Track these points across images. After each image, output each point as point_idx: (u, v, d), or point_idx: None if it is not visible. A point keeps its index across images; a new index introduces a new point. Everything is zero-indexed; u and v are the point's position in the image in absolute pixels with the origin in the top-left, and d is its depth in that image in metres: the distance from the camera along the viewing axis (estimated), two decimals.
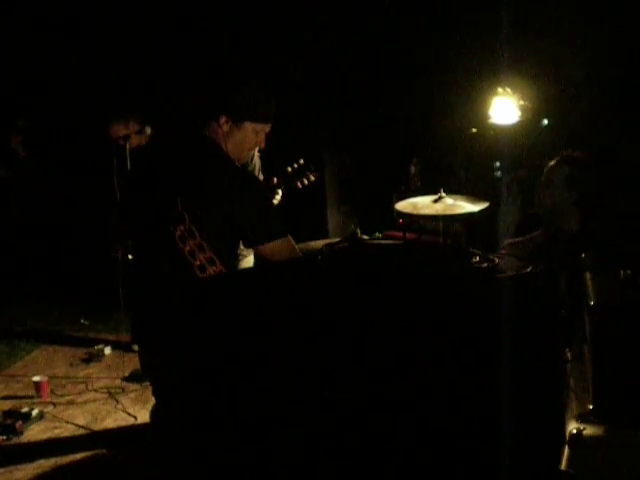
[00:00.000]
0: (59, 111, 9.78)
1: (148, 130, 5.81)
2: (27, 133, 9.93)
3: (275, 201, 4.56)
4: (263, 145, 3.61)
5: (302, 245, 4.37)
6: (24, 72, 9.83)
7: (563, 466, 2.73)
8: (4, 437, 5.13)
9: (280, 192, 4.61)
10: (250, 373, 2.70)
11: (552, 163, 4.66)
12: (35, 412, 5.39)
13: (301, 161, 4.72)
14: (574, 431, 2.94)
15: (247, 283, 3.02)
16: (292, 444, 2.63)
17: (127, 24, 9.06)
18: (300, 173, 4.70)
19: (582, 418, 3.06)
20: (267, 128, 3.55)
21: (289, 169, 4.68)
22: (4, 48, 9.74)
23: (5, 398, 5.83)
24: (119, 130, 5.71)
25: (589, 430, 2.97)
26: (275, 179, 4.67)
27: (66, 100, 9.65)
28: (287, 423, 2.64)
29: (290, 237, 3.38)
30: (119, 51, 9.11)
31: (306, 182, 4.77)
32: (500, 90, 5.86)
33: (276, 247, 3.34)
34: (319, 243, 4.38)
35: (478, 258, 2.74)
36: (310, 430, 2.64)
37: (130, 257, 4.89)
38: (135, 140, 5.68)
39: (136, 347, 5.84)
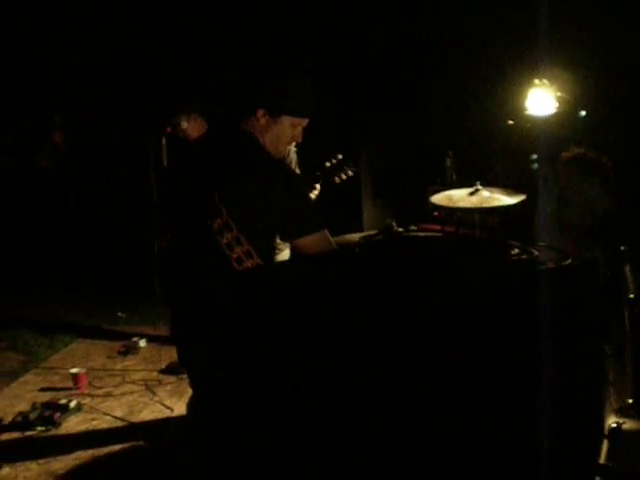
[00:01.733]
0: (97, 107, 9.87)
1: (184, 124, 5.84)
2: (67, 128, 10.05)
3: (313, 195, 4.55)
4: (300, 139, 3.59)
5: (338, 238, 4.35)
6: (61, 69, 9.93)
7: (602, 459, 2.71)
8: (43, 428, 5.17)
9: (318, 186, 4.61)
10: (288, 365, 2.70)
11: (566, 157, 4.73)
12: (73, 404, 5.43)
13: (340, 156, 4.71)
14: (613, 425, 2.92)
15: (285, 275, 3.03)
16: (332, 436, 2.64)
17: (164, 19, 9.11)
18: (338, 168, 4.69)
19: (621, 412, 3.04)
20: (304, 122, 3.54)
21: (327, 164, 4.67)
22: (40, 45, 9.84)
23: (44, 390, 5.88)
24: (182, 123, 5.76)
25: (628, 424, 2.95)
26: (317, 173, 4.67)
27: (103, 95, 9.74)
28: (326, 415, 2.64)
29: (326, 231, 3.37)
30: (158, 47, 9.16)
31: (344, 177, 4.76)
32: (537, 81, 5.81)
33: (312, 241, 3.32)
34: (355, 236, 4.37)
35: (518, 250, 2.73)
36: (346, 421, 2.64)
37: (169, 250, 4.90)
38: (193, 132, 5.73)
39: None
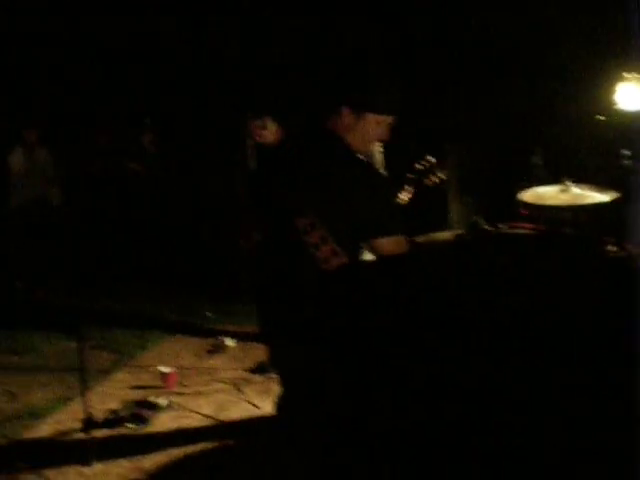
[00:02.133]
0: (186, 109, 10.02)
1: (273, 127, 5.89)
2: (156, 131, 10.22)
3: (405, 198, 4.51)
4: (386, 137, 3.57)
5: (425, 237, 4.32)
6: (153, 72, 10.11)
7: None
8: (133, 426, 5.25)
9: (410, 189, 4.56)
10: (384, 363, 2.68)
11: None
12: (163, 402, 5.51)
13: (432, 159, 4.67)
14: None
15: (372, 273, 3.01)
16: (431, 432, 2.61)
17: (241, 24, 9.19)
18: (430, 171, 4.65)
19: None
20: (390, 119, 3.51)
21: (418, 166, 4.64)
22: (134, 50, 10.03)
23: (134, 388, 5.98)
24: (258, 127, 5.83)
25: None
26: (408, 175, 4.63)
27: (192, 98, 9.88)
28: (424, 412, 2.61)
29: (403, 237, 3.34)
30: (243, 50, 9.25)
31: (435, 180, 4.71)
32: (627, 75, 5.67)
33: (387, 243, 3.32)
34: (443, 234, 4.34)
35: (614, 247, 2.67)
36: (452, 416, 2.61)
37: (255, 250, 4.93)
38: (269, 136, 5.78)
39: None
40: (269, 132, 5.87)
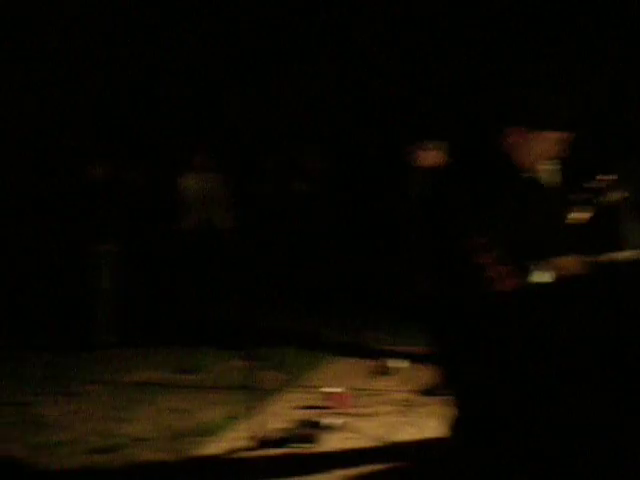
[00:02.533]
0: (350, 133, 10.13)
1: (434, 149, 5.85)
2: (321, 154, 10.36)
3: (583, 217, 4.35)
4: (558, 154, 3.46)
5: (606, 256, 4.13)
6: (317, 99, 10.29)
7: None
8: (302, 446, 5.21)
9: (587, 208, 4.39)
10: (569, 386, 2.55)
11: None
12: (332, 422, 5.45)
13: (610, 177, 4.49)
14: None
15: (554, 293, 2.89)
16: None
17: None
18: (607, 190, 4.47)
19: None
20: (562, 136, 3.40)
21: (594, 185, 4.46)
22: (300, 81, 10.25)
23: (303, 408, 5.96)
24: (419, 150, 5.84)
25: None
26: (584, 194, 4.47)
27: (354, 123, 9.98)
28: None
29: (582, 257, 3.24)
30: (403, 74, 9.27)
31: (616, 199, 4.53)
32: None
33: (566, 263, 3.29)
34: (624, 254, 4.15)
35: None
36: None
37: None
38: (429, 159, 5.76)
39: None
40: (430, 155, 5.85)
